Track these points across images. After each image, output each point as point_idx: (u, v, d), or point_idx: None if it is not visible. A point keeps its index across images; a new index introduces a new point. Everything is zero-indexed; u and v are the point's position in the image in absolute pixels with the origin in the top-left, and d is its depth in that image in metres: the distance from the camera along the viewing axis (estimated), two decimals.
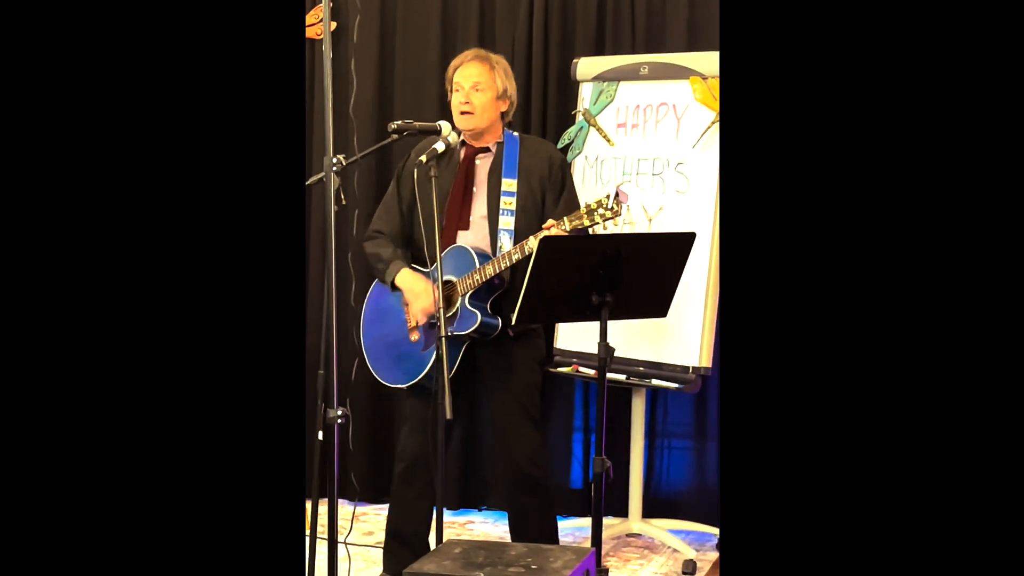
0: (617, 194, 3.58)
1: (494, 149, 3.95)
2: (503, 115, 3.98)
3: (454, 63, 3.99)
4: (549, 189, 3.91)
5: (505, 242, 3.82)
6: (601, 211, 3.59)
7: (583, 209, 3.64)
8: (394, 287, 3.90)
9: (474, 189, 3.91)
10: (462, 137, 3.92)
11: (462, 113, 3.89)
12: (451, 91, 3.96)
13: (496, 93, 3.92)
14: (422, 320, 3.82)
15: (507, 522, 4.14)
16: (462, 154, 3.94)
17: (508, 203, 3.86)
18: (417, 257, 3.92)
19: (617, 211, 3.58)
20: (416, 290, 3.82)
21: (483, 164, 3.95)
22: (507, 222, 3.84)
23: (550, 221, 3.68)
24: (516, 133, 4.03)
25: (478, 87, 3.89)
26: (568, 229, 3.62)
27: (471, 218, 3.89)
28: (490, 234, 3.87)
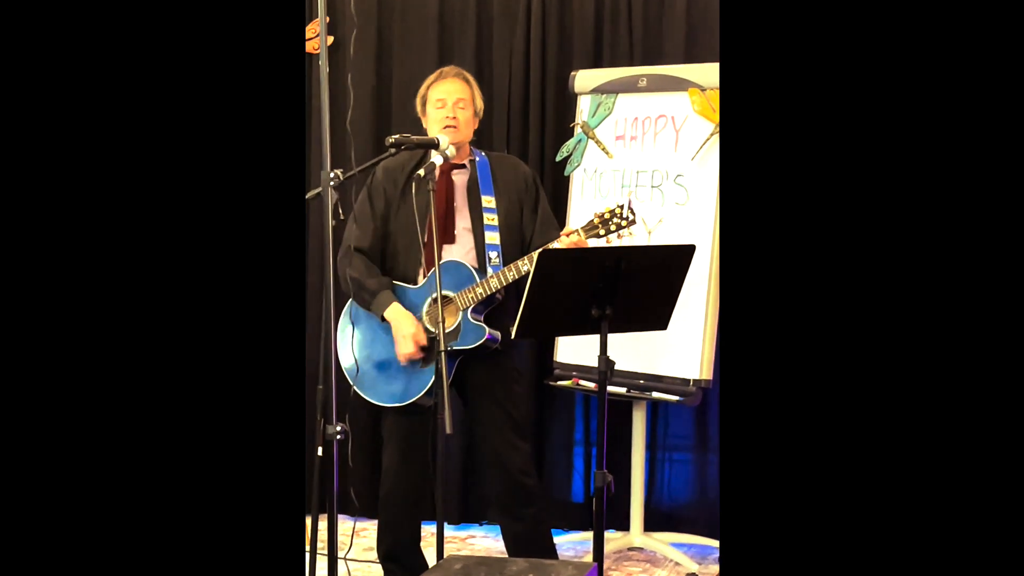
0: (629, 203, 3.61)
1: (468, 167, 3.98)
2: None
3: (430, 80, 3.99)
4: (526, 203, 3.97)
5: (493, 257, 3.84)
6: (616, 220, 3.62)
7: (596, 219, 3.67)
8: (383, 319, 3.87)
9: (455, 204, 3.92)
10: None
11: (446, 127, 3.87)
12: (425, 107, 3.96)
13: (475, 111, 3.96)
14: (403, 361, 3.81)
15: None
16: (437, 171, 3.91)
17: (491, 219, 3.89)
18: (396, 272, 3.92)
19: (632, 220, 3.62)
20: (404, 332, 3.79)
21: (460, 180, 3.96)
22: (492, 237, 3.87)
23: (568, 229, 3.69)
24: (482, 151, 4.05)
25: (460, 104, 3.91)
26: (585, 238, 3.64)
27: (455, 231, 3.90)
28: (476, 248, 3.88)
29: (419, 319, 3.84)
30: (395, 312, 3.83)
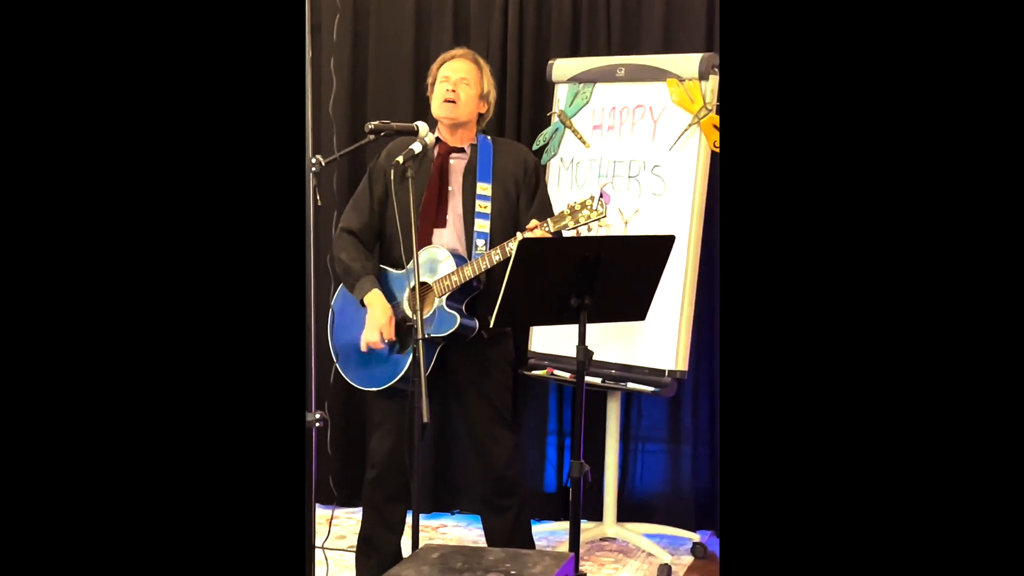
0: (601, 195, 3.59)
1: (468, 151, 3.95)
2: (480, 118, 3.99)
3: (442, 58, 4.01)
4: (523, 191, 3.92)
5: (480, 245, 3.80)
6: (586, 212, 3.60)
7: (566, 210, 3.65)
8: (362, 304, 3.88)
9: (450, 188, 3.90)
10: (436, 134, 3.90)
11: (445, 101, 3.89)
12: (432, 84, 3.97)
13: (480, 92, 3.95)
14: (362, 348, 3.83)
15: (480, 525, 4.12)
16: (436, 152, 3.92)
17: (483, 207, 3.86)
18: (389, 256, 3.90)
19: (602, 212, 3.60)
20: (373, 319, 3.81)
21: (457, 165, 3.93)
22: (482, 225, 3.84)
23: (534, 222, 3.67)
24: (489, 137, 4.02)
25: (466, 81, 3.92)
26: (552, 231, 3.62)
27: (447, 216, 3.87)
28: (465, 235, 3.86)
29: (399, 303, 3.83)
30: (373, 298, 3.83)
